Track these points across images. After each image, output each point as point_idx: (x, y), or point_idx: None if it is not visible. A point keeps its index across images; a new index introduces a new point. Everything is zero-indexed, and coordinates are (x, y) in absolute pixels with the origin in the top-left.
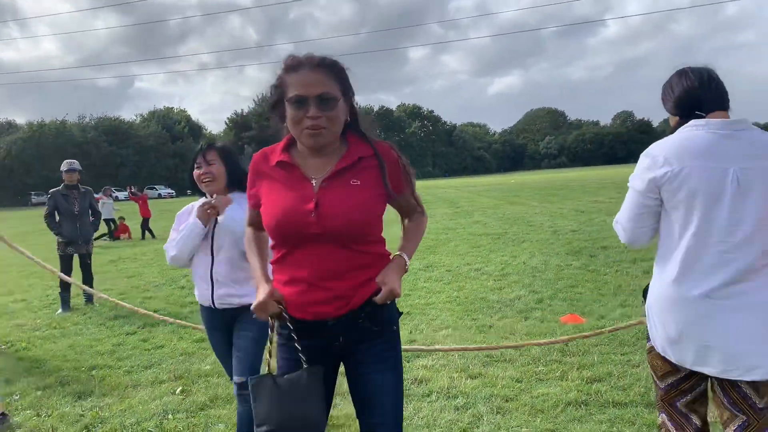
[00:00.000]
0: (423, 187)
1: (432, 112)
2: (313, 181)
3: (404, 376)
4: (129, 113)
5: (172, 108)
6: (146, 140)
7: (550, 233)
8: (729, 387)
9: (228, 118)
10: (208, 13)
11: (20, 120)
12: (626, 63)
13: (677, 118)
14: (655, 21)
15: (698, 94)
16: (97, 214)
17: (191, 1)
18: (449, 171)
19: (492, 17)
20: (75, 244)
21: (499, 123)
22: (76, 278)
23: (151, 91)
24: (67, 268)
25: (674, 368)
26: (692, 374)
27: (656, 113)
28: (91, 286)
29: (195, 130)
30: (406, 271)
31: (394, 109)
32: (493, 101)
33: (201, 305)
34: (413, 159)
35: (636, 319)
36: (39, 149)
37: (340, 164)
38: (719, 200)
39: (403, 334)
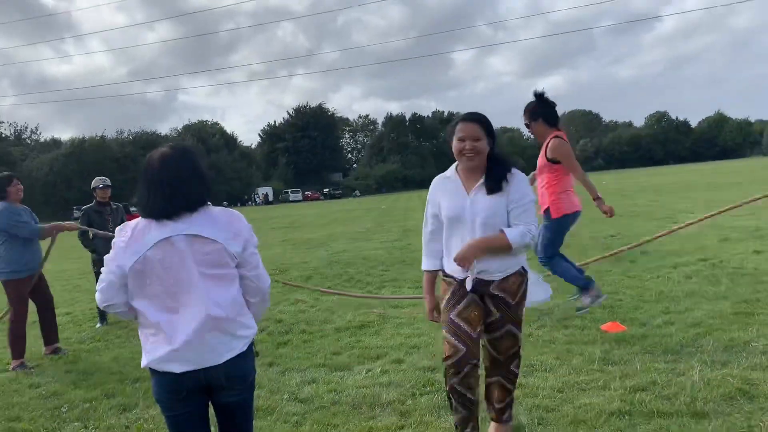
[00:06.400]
0: None
1: None
2: None
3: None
4: (171, 126)
5: (205, 121)
6: None
7: (588, 238)
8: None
9: (261, 130)
10: (259, 23)
11: (65, 136)
12: (678, 59)
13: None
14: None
15: None
16: None
17: (243, 9)
18: None
19: (544, 16)
20: None
21: None
22: None
23: (194, 103)
24: None
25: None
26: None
27: (694, 113)
28: None
29: (230, 142)
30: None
31: (429, 115)
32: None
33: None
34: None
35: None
36: (80, 165)
37: None
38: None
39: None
